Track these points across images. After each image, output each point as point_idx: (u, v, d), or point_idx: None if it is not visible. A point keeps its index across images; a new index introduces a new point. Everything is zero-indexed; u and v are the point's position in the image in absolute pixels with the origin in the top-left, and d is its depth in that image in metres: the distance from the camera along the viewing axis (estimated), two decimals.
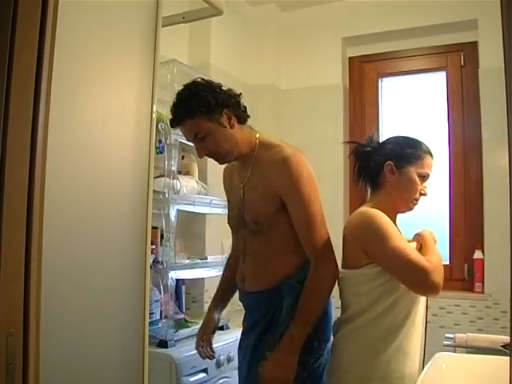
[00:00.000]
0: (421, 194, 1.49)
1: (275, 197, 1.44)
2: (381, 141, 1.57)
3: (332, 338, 1.51)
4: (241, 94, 1.53)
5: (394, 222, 1.47)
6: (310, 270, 1.42)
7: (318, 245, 1.41)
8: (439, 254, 1.43)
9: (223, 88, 1.49)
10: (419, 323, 1.44)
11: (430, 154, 1.51)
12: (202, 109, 1.40)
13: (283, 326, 1.43)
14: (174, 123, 1.47)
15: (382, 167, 1.49)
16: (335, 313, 1.55)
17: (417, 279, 1.33)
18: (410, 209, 1.53)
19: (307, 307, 1.40)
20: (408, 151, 1.48)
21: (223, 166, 1.65)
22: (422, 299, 1.46)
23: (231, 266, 1.74)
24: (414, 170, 1.47)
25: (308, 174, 1.43)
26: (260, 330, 1.51)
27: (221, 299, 1.75)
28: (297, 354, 1.36)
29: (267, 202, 1.45)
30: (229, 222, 1.66)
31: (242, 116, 1.50)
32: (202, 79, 1.49)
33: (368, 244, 1.39)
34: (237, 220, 1.58)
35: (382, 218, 1.39)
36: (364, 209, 1.46)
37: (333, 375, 1.46)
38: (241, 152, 1.50)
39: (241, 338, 1.64)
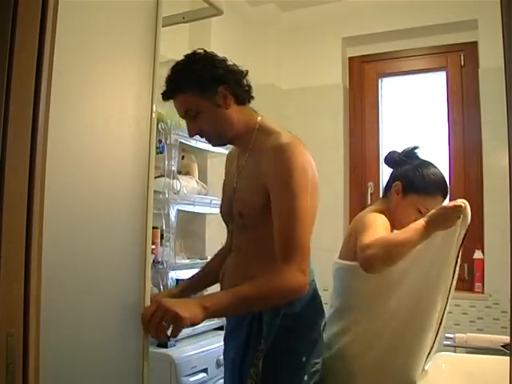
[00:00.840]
0: None
1: (263, 188, 1.24)
2: (408, 154, 1.55)
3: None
4: (247, 71, 1.35)
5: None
6: (272, 270, 1.18)
7: (294, 249, 1.17)
8: (407, 235, 1.31)
9: (226, 63, 1.31)
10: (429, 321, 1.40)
11: (443, 195, 1.49)
12: (194, 83, 1.26)
13: (268, 344, 1.26)
14: (165, 96, 1.33)
15: (392, 183, 1.54)
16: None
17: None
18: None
19: (247, 298, 1.16)
20: (420, 182, 1.47)
21: (223, 166, 1.63)
22: (436, 301, 1.39)
23: (217, 258, 1.54)
24: (417, 202, 1.47)
25: (303, 166, 1.22)
26: (240, 345, 1.33)
27: (197, 279, 1.57)
28: (205, 316, 1.10)
29: (254, 194, 1.27)
30: (220, 213, 1.48)
31: (241, 96, 1.33)
32: (204, 50, 1.31)
33: (357, 234, 1.41)
34: (227, 211, 1.41)
35: (377, 216, 1.45)
36: (368, 211, 1.54)
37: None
38: (236, 134, 1.33)
39: (224, 347, 1.48)
